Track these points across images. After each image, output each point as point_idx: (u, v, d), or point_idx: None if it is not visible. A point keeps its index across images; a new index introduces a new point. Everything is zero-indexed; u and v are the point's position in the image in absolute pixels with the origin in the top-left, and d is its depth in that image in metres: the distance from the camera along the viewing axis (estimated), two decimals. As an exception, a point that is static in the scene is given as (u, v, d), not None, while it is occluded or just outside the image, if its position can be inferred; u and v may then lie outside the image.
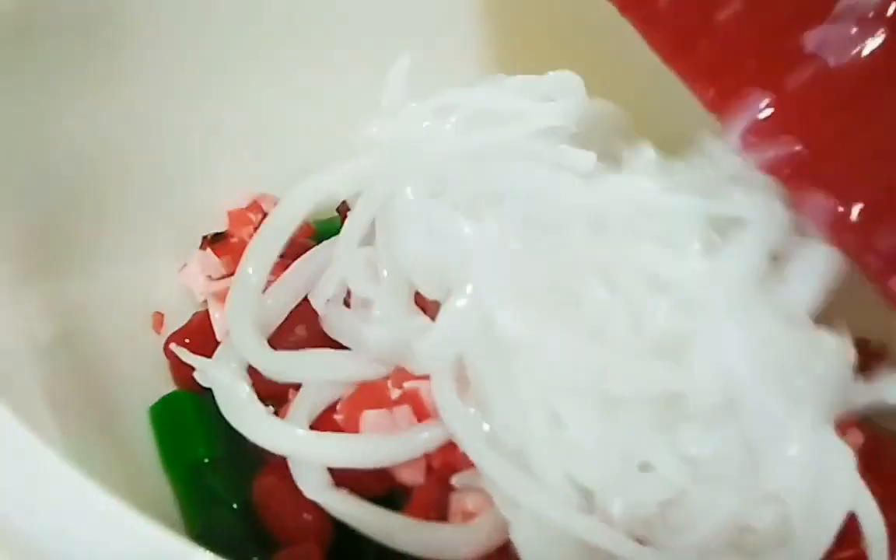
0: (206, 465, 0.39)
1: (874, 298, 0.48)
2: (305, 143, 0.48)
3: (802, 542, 0.33)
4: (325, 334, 0.38)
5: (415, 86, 0.42)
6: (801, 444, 0.33)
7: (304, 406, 0.36)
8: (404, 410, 0.35)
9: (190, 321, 0.43)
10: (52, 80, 0.40)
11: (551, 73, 0.44)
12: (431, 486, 0.34)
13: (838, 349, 0.37)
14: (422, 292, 0.36)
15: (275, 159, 0.49)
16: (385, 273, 0.36)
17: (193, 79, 0.46)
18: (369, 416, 0.35)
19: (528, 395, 0.32)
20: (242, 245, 0.44)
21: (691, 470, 0.31)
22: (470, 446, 0.32)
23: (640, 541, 0.32)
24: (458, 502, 0.34)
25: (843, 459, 0.34)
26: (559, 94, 0.43)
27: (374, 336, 0.36)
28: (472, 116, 0.40)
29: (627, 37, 0.49)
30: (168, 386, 0.42)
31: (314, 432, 0.35)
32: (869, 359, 0.46)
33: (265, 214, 0.47)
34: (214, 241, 0.46)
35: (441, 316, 0.34)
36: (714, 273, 0.35)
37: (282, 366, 0.37)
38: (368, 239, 0.39)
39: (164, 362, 0.43)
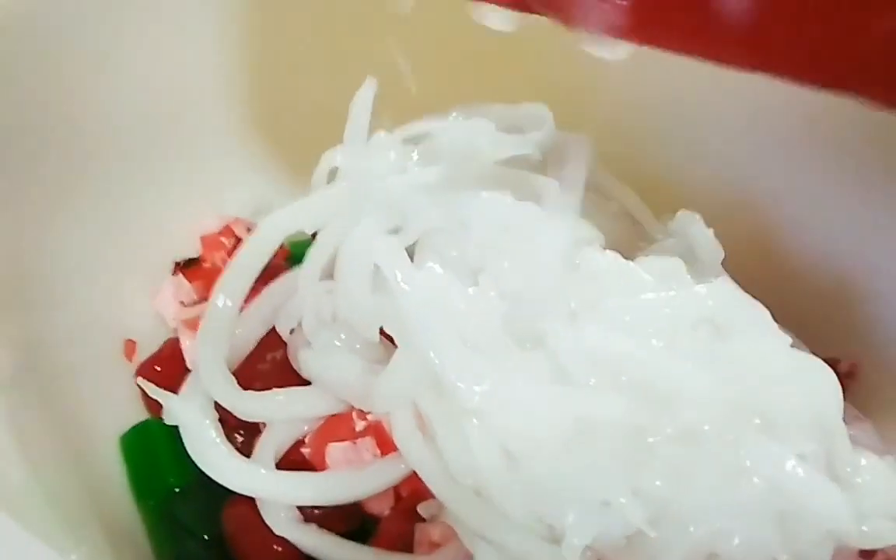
0: (176, 494, 0.39)
1: (843, 318, 0.50)
2: (274, 168, 0.49)
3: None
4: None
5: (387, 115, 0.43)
6: (774, 473, 0.34)
7: (270, 444, 0.36)
8: (367, 442, 0.35)
9: (161, 349, 0.43)
10: (23, 104, 0.40)
11: (523, 104, 0.44)
12: (397, 518, 0.35)
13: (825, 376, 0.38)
14: (361, 334, 0.36)
15: (246, 184, 0.49)
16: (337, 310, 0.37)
17: (166, 106, 0.46)
18: (334, 450, 0.35)
19: (479, 441, 0.32)
20: (215, 269, 0.45)
21: (654, 507, 0.32)
22: (432, 483, 0.33)
23: None
24: (423, 532, 0.34)
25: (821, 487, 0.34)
26: (529, 125, 0.43)
27: (308, 372, 0.36)
28: (441, 146, 0.41)
29: (595, 70, 0.51)
30: (141, 413, 0.42)
31: (279, 472, 0.35)
32: (840, 379, 0.48)
33: (238, 239, 0.47)
34: (187, 267, 0.46)
35: (390, 365, 0.35)
36: (683, 307, 0.36)
37: (250, 406, 0.37)
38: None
39: (137, 390, 0.42)
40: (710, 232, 0.46)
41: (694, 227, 0.45)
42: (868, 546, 0.35)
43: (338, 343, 0.37)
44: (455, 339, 0.33)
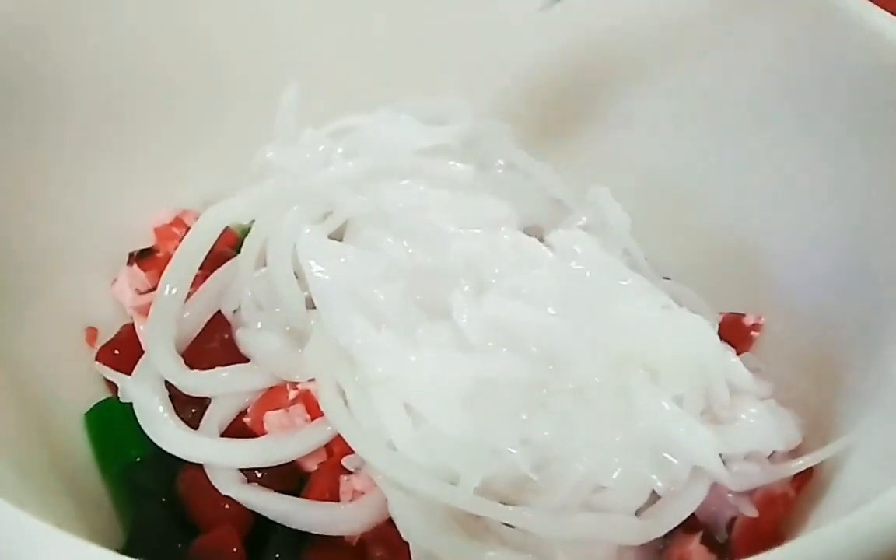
0: (137, 463, 0.42)
1: (747, 277, 0.54)
2: (220, 163, 0.52)
3: (664, 504, 0.37)
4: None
5: (317, 112, 0.47)
6: (652, 414, 0.38)
7: (215, 416, 0.40)
8: (299, 409, 0.39)
9: (118, 334, 0.46)
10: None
11: (444, 97, 0.48)
12: (325, 472, 0.39)
13: (700, 328, 0.41)
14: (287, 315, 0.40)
15: (194, 179, 0.52)
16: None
17: (118, 108, 0.50)
18: (270, 417, 0.40)
19: (384, 406, 0.36)
20: (168, 258, 0.47)
21: (541, 453, 0.36)
22: (351, 441, 0.37)
23: (508, 502, 0.37)
24: (347, 483, 0.38)
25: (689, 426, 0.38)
26: (449, 117, 0.47)
27: (244, 349, 0.40)
28: (366, 139, 0.45)
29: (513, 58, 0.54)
30: (103, 394, 0.45)
31: (220, 440, 0.39)
32: (745, 332, 0.51)
33: (188, 229, 0.50)
34: (141, 257, 0.49)
35: (309, 343, 0.39)
36: (571, 279, 0.40)
37: (194, 383, 0.41)
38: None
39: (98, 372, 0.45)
40: (619, 204, 0.50)
41: (603, 200, 0.49)
42: (738, 487, 0.38)
43: (269, 323, 0.40)
44: (363, 319, 0.37)
